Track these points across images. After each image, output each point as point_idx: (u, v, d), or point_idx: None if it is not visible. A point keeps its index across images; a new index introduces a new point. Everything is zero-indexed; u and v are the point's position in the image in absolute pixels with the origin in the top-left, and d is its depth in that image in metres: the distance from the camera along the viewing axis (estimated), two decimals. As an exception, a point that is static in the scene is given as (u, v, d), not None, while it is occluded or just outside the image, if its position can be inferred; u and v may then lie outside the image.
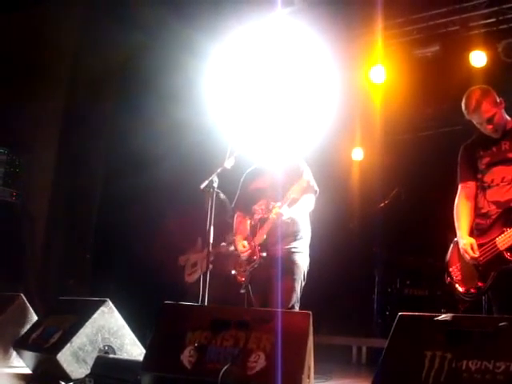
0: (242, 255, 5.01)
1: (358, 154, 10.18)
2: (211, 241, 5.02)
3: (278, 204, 4.84)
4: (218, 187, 5.19)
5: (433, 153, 8.77)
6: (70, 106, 8.89)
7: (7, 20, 8.14)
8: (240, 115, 7.20)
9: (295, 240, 4.98)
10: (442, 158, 8.06)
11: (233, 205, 5.47)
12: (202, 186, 5.20)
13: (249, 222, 5.15)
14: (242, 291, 5.01)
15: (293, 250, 4.93)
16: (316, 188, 5.10)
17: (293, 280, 4.84)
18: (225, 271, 6.28)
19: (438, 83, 8.29)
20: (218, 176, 5.21)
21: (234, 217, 5.43)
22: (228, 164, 5.25)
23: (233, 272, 5.07)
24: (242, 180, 5.43)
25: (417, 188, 8.91)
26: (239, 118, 6.97)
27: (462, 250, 4.28)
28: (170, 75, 8.25)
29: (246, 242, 5.02)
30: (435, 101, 8.92)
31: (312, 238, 5.14)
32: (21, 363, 5.02)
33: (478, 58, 7.93)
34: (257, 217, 5.06)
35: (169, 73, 8.28)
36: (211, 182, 5.13)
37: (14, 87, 8.27)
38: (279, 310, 4.19)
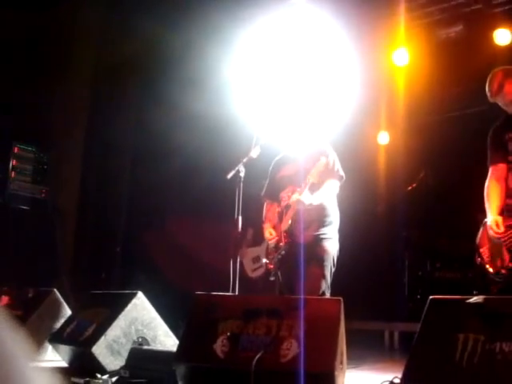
0: (269, 242, 5.01)
1: (383, 138, 10.11)
2: (239, 230, 5.03)
3: (299, 189, 4.82)
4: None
5: (460, 134, 8.67)
6: (94, 97, 8.96)
7: (33, 11, 8.20)
8: (264, 103, 7.17)
9: (323, 226, 4.94)
10: (469, 139, 7.98)
11: (262, 193, 5.44)
12: (229, 175, 5.20)
13: (277, 209, 5.13)
14: (272, 279, 5.01)
15: (321, 236, 4.90)
16: (341, 173, 5.03)
17: (322, 267, 4.81)
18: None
19: (462, 63, 8.18)
20: (244, 165, 5.22)
21: (263, 205, 5.42)
22: (254, 153, 5.25)
23: (264, 260, 5.07)
24: (270, 169, 5.41)
25: (444, 170, 8.83)
26: (264, 106, 6.95)
27: (488, 228, 4.28)
28: (194, 63, 8.25)
29: (272, 230, 5.01)
30: (460, 81, 8.79)
31: (340, 223, 5.11)
32: (57, 357, 5.10)
33: (503, 36, 7.82)
34: (283, 204, 5.04)
35: (192, 60, 8.28)
36: (237, 171, 5.13)
37: (37, 83, 8.35)
38: (310, 297, 4.20)
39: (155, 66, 8.71)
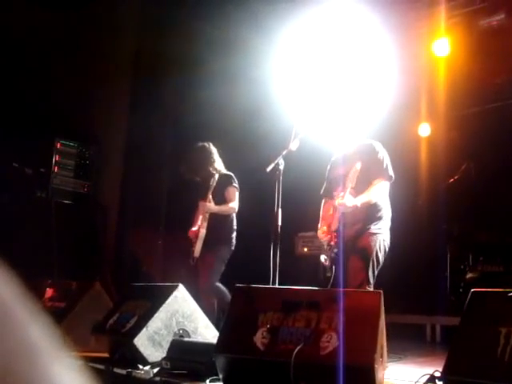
0: (322, 240, 5.12)
1: (424, 130, 9.98)
2: (279, 223, 5.04)
3: (342, 194, 4.87)
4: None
5: (502, 125, 8.51)
6: (134, 92, 9.04)
7: (72, 9, 8.31)
8: (304, 96, 7.14)
9: (371, 221, 4.99)
10: (512, 130, 7.83)
11: (321, 192, 5.52)
12: (268, 168, 5.20)
13: (331, 207, 5.19)
14: (329, 275, 5.05)
15: (368, 230, 4.96)
16: (390, 174, 5.05)
17: (364, 260, 4.86)
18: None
19: (505, 52, 8.02)
20: (284, 158, 5.22)
21: (321, 203, 5.50)
22: (293, 146, 5.24)
23: (322, 258, 5.10)
24: (327, 168, 5.47)
25: (487, 162, 8.68)
26: (303, 99, 6.91)
27: None
28: (233, 56, 8.25)
29: (326, 228, 5.10)
30: (503, 71, 8.62)
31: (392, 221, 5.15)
32: (99, 348, 5.17)
33: (547, 25, 7.65)
34: (335, 204, 5.09)
35: (232, 53, 8.28)
36: (277, 164, 5.14)
37: (79, 80, 8.46)
38: (350, 289, 4.19)
39: (194, 59, 8.72)
